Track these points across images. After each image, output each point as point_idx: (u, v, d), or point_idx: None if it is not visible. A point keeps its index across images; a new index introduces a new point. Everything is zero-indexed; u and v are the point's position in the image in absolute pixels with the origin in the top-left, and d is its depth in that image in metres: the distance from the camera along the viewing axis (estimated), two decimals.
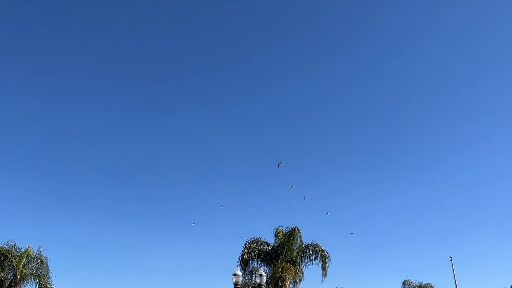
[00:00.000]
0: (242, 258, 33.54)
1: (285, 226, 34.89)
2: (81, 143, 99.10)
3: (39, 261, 35.99)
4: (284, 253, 33.18)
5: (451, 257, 39.24)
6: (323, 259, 33.62)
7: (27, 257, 35.63)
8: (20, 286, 34.81)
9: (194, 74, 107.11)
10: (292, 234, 33.65)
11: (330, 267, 33.48)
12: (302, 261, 33.85)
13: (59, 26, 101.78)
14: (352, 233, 58.84)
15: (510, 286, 51.86)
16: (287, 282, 31.52)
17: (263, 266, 34.18)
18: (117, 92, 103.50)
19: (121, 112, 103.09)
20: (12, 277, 34.91)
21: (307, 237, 34.42)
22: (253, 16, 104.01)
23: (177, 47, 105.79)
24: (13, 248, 35.44)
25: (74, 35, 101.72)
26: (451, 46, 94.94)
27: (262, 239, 35.11)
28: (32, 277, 35.36)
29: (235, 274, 25.12)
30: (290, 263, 33.09)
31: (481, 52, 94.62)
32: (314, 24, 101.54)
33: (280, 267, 32.09)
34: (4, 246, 35.19)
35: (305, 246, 34.00)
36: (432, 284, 49.90)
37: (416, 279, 50.84)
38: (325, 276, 33.13)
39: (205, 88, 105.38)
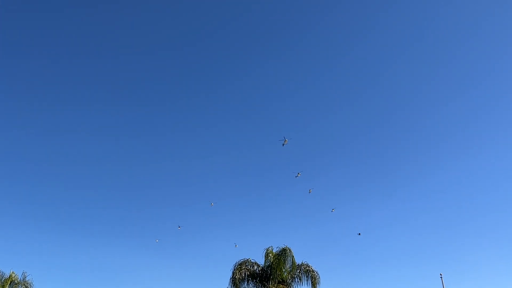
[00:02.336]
0: (233, 280, 33.24)
1: (276, 246, 34.83)
2: (63, 164, 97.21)
3: (24, 287, 35.01)
4: (275, 274, 32.96)
5: (441, 274, 39.44)
6: (313, 280, 33.61)
7: (11, 283, 34.64)
8: None
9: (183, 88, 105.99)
10: (283, 254, 33.52)
11: (322, 286, 33.54)
12: (293, 282, 33.70)
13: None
14: (359, 233, 57.10)
15: None
16: None
17: None
18: (102, 115, 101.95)
19: (107, 131, 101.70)
20: None
21: (298, 255, 34.38)
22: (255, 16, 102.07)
23: (175, 52, 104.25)
24: None
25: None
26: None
27: (252, 260, 34.98)
28: None
29: None
30: (281, 284, 32.93)
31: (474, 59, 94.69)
32: (319, 26, 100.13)
33: None
34: None
35: (295, 266, 33.87)
36: None
37: None
38: None
39: (198, 103, 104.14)
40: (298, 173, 46.31)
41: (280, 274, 33.26)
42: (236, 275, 33.45)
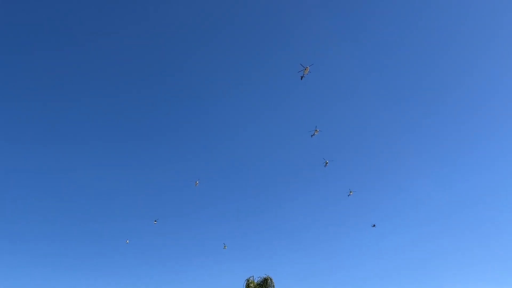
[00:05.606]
0: None
1: (257, 276, 34.64)
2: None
3: None
4: None
5: None
6: None
7: None
8: None
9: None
10: (264, 284, 33.15)
11: None
12: None
13: None
14: (374, 225, 56.32)
15: None
16: None
17: None
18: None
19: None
20: None
21: (280, 284, 34.03)
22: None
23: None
24: None
25: None
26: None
27: None
28: None
29: None
30: None
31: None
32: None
33: None
34: None
35: None
36: None
37: None
38: None
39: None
40: (326, 162, 43.87)
41: None
42: None
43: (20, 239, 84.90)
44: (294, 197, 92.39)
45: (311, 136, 40.33)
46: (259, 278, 33.93)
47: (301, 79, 35.08)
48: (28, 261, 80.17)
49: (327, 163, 44.29)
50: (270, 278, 33.27)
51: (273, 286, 33.18)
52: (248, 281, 34.13)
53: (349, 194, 51.26)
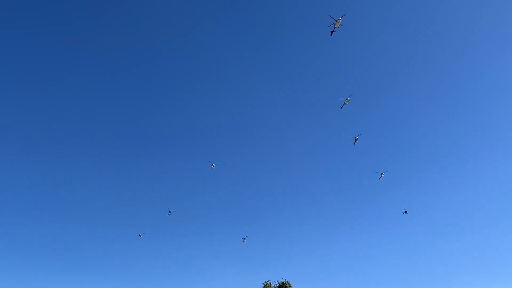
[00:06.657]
0: None
1: (274, 280, 35.86)
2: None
3: None
4: None
5: None
6: None
7: None
8: None
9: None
10: None
11: None
12: None
13: None
14: (405, 211, 58.05)
15: None
16: None
17: None
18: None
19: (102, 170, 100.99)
20: None
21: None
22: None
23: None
24: None
25: None
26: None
27: None
28: None
29: None
30: None
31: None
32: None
33: None
34: None
35: None
36: None
37: None
38: None
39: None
40: (356, 138, 43.81)
41: None
42: None
43: (21, 241, 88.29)
44: (312, 202, 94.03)
45: (341, 106, 39.88)
46: (276, 283, 35.16)
47: (331, 34, 32.99)
48: (30, 262, 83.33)
49: (356, 139, 44.63)
50: (288, 283, 34.53)
51: None
52: (265, 284, 35.31)
53: (380, 177, 52.08)
